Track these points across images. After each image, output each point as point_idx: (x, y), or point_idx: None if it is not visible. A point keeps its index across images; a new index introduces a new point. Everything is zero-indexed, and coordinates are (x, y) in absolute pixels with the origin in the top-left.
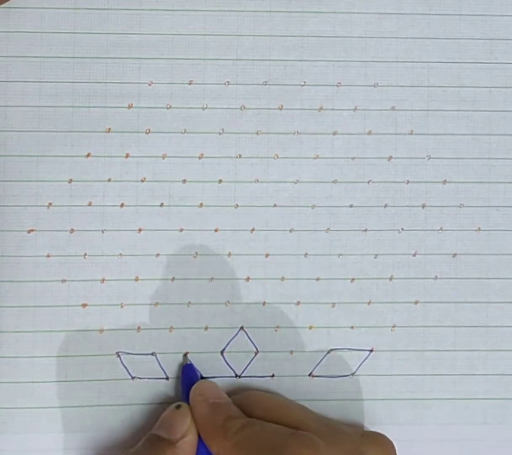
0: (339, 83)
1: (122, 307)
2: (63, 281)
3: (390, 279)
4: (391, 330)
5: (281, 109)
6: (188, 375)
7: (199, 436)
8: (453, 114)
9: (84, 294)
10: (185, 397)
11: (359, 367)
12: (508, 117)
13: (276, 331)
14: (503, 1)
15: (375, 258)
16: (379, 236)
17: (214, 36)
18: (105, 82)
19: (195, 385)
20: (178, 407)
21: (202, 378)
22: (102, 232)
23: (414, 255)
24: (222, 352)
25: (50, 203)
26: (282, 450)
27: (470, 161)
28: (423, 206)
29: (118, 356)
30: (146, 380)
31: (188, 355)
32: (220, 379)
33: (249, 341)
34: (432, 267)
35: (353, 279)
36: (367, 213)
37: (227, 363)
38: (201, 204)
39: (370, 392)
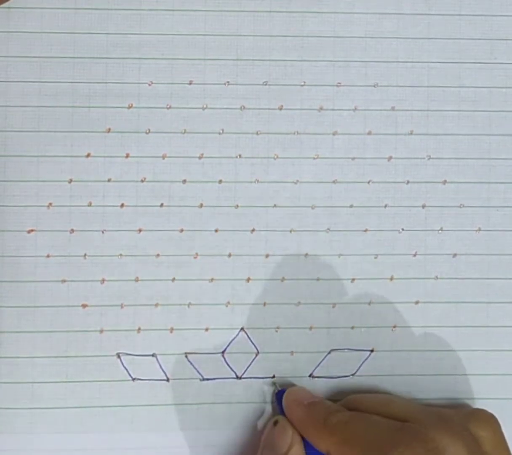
0: (339, 83)
1: (122, 307)
2: (63, 281)
3: (391, 279)
4: (392, 330)
5: (281, 109)
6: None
7: (306, 442)
8: (453, 114)
9: (84, 294)
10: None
11: (359, 367)
12: (508, 117)
13: (276, 331)
14: (503, 1)
15: (375, 258)
16: (379, 236)
17: (214, 36)
18: (105, 82)
19: (285, 393)
20: (275, 423)
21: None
22: (102, 232)
23: (414, 255)
24: (222, 353)
25: (50, 204)
26: (393, 444)
27: (470, 162)
28: (423, 206)
29: (118, 356)
30: (147, 381)
31: (277, 384)
32: (220, 380)
33: (250, 342)
34: (433, 267)
35: (353, 279)
36: (367, 214)
37: (228, 364)
38: (201, 205)
39: (370, 392)
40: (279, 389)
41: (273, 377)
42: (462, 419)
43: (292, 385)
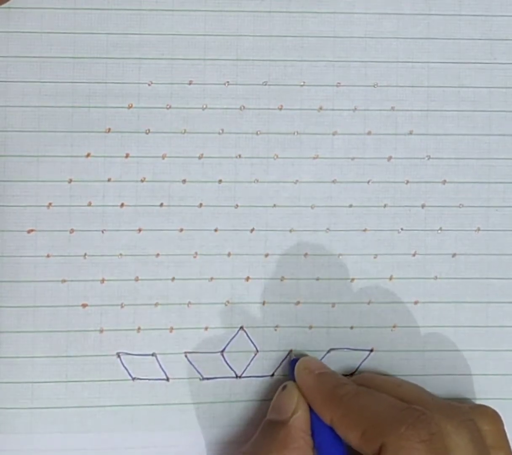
0: (339, 83)
1: (122, 307)
2: (63, 281)
3: (390, 279)
4: (391, 330)
5: (281, 109)
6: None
7: (312, 411)
8: (453, 114)
9: (84, 294)
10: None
11: (359, 367)
12: (508, 118)
13: (275, 330)
14: (503, 1)
15: (374, 258)
16: (378, 235)
17: (214, 36)
18: (105, 82)
19: (299, 361)
20: (284, 387)
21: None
22: (102, 232)
23: (413, 255)
24: (222, 352)
25: (50, 204)
26: (397, 423)
27: (470, 162)
28: (423, 206)
29: (118, 356)
30: (146, 380)
31: (292, 353)
32: (220, 380)
33: (249, 341)
34: (432, 267)
35: (352, 279)
36: (366, 213)
37: (227, 363)
38: (201, 205)
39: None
40: (294, 357)
41: (273, 375)
42: (468, 410)
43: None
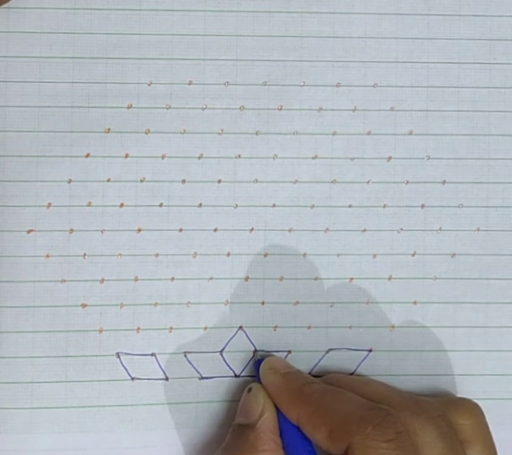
0: (338, 83)
1: (121, 307)
2: (63, 281)
3: (389, 279)
4: (390, 330)
5: (280, 109)
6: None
7: (279, 411)
8: (452, 114)
9: (83, 294)
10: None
11: (358, 367)
12: (507, 118)
13: (274, 330)
14: (503, 1)
15: (374, 258)
16: (378, 236)
17: (214, 37)
18: (105, 83)
19: (264, 362)
20: (249, 390)
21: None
22: (102, 232)
23: (413, 255)
24: (221, 352)
25: (49, 204)
26: (363, 423)
27: (469, 162)
28: (422, 206)
29: (118, 356)
30: (146, 380)
31: (258, 353)
32: (219, 379)
33: (248, 341)
34: (431, 267)
35: (351, 279)
36: (366, 214)
37: (226, 363)
38: (200, 204)
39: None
40: (259, 358)
41: (255, 350)
42: (439, 406)
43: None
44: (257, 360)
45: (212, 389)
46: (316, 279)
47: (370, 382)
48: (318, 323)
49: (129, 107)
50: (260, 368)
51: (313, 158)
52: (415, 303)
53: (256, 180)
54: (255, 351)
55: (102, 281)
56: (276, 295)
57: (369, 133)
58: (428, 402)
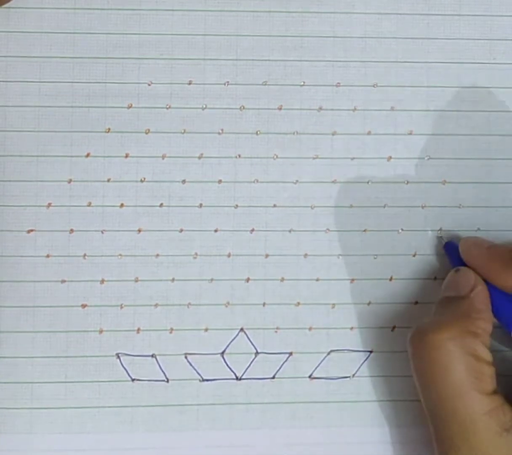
0: (338, 83)
1: (121, 307)
2: (63, 281)
3: (390, 279)
4: (391, 330)
5: (280, 109)
6: (451, 248)
7: (489, 286)
8: (452, 114)
9: (83, 295)
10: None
11: (359, 368)
12: (507, 118)
13: (276, 332)
14: (503, 1)
15: (374, 258)
16: (378, 236)
17: (214, 36)
18: (105, 82)
19: (462, 240)
20: (456, 270)
21: None
22: (102, 232)
23: (413, 255)
24: (222, 354)
25: (49, 204)
26: None
27: (469, 162)
28: (423, 206)
29: (118, 357)
30: (146, 382)
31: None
32: (220, 381)
33: (249, 342)
34: (432, 267)
35: (352, 280)
36: (366, 214)
37: (227, 365)
38: (200, 205)
39: (370, 394)
40: (446, 241)
41: (273, 377)
42: None
43: (458, 237)
44: (446, 243)
45: (213, 391)
46: (317, 279)
47: None
48: (319, 324)
49: (129, 107)
50: (462, 246)
51: (313, 158)
52: (416, 303)
53: (256, 181)
54: (440, 230)
55: (102, 281)
56: (277, 296)
57: (369, 133)
58: None
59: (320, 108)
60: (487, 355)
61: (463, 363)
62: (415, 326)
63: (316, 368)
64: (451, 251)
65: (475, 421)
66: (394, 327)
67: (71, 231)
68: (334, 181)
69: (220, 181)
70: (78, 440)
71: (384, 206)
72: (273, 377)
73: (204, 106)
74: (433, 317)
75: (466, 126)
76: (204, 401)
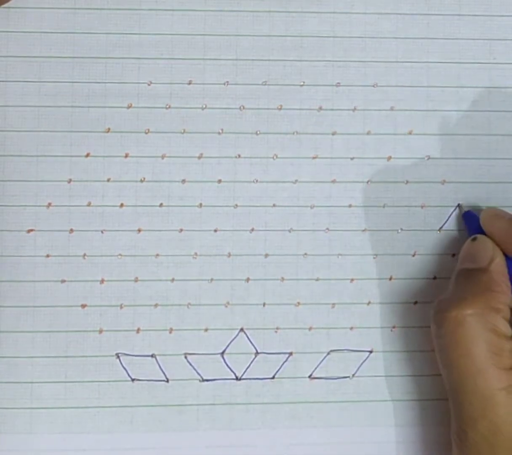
0: (338, 83)
1: (121, 307)
2: (63, 281)
3: (390, 279)
4: (391, 330)
5: (280, 109)
6: (470, 217)
7: (508, 258)
8: (452, 114)
9: (83, 295)
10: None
11: (359, 368)
12: (507, 118)
13: (276, 332)
14: (503, 1)
15: (374, 258)
16: (378, 236)
17: (214, 36)
18: (105, 82)
19: (484, 211)
20: (474, 239)
21: None
22: (102, 232)
23: (413, 255)
24: (222, 354)
25: (49, 204)
26: None
27: (469, 162)
28: (422, 206)
29: (118, 357)
30: (146, 381)
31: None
32: (220, 381)
33: (249, 342)
34: (432, 267)
35: (352, 279)
36: (366, 213)
37: (227, 365)
38: (200, 205)
39: (370, 394)
40: (466, 210)
41: (273, 377)
42: None
43: (478, 207)
44: (465, 213)
45: (213, 391)
46: (316, 279)
47: None
48: (319, 324)
49: (129, 107)
50: (483, 216)
51: (313, 158)
52: (415, 303)
53: (256, 180)
54: (460, 203)
55: (102, 281)
56: (277, 296)
57: (369, 133)
58: None
59: (320, 108)
60: (507, 330)
61: (484, 339)
62: (437, 301)
63: (316, 368)
64: (469, 220)
65: (494, 396)
66: (394, 327)
67: (71, 230)
68: (333, 181)
69: (219, 181)
70: (78, 440)
71: (384, 206)
72: (273, 377)
73: (204, 106)
74: (453, 290)
75: (466, 126)
76: (204, 401)
